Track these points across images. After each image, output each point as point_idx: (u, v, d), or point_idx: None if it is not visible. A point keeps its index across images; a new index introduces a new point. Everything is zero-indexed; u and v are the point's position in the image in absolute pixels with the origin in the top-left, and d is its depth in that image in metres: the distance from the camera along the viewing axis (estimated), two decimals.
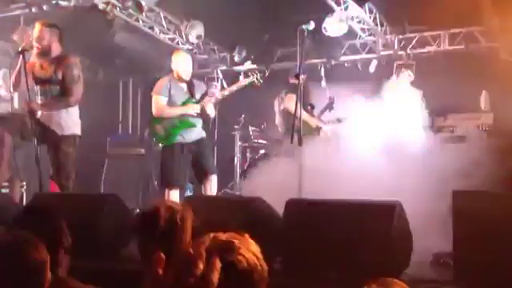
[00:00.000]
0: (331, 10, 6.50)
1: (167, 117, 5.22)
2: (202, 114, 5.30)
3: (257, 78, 5.53)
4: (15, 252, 1.92)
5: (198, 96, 5.34)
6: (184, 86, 5.31)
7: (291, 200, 3.17)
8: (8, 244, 1.97)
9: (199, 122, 5.33)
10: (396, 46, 7.34)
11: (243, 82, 5.58)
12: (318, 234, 2.90)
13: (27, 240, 1.98)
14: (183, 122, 5.24)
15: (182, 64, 5.30)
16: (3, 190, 4.50)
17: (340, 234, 2.85)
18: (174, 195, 5.08)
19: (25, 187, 5.20)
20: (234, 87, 5.51)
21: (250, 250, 1.50)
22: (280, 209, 3.27)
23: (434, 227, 3.50)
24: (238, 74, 8.15)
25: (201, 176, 5.28)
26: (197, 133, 5.30)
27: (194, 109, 5.25)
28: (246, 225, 3.23)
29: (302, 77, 4.89)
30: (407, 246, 2.92)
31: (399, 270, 2.80)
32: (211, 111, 5.34)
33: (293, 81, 6.08)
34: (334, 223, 2.92)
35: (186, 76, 5.29)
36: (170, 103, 5.23)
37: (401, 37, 7.34)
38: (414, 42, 7.27)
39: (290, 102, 6.12)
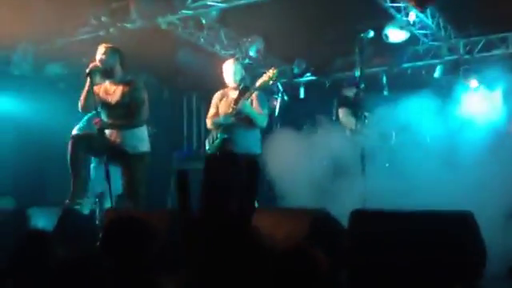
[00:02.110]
0: (392, 17, 6.39)
1: (212, 128, 5.24)
2: (244, 120, 4.99)
3: (270, 78, 5.03)
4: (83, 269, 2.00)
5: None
6: (234, 94, 5.17)
7: (356, 211, 3.11)
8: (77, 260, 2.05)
9: (241, 135, 5.02)
10: (462, 51, 7.12)
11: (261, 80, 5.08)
12: (384, 246, 2.83)
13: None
14: (221, 134, 5.10)
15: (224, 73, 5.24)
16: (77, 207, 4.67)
17: (408, 246, 2.77)
18: None
19: (97, 203, 5.40)
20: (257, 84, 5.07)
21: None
22: (344, 221, 3.22)
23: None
24: (299, 85, 8.18)
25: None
26: (234, 146, 4.98)
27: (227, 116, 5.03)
28: (310, 236, 3.21)
29: (361, 86, 4.84)
30: (480, 259, 2.79)
31: (471, 283, 2.69)
32: (248, 109, 4.96)
33: (347, 92, 6.01)
34: (402, 235, 2.83)
35: (231, 84, 5.20)
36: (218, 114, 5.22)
37: (466, 40, 7.12)
38: (480, 45, 7.03)
39: (343, 115, 6.04)
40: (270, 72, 5.03)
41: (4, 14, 6.08)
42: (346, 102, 6.02)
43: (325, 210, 3.48)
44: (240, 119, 5.01)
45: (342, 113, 6.01)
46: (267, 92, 5.41)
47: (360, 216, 3.05)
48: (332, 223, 3.40)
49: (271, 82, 5.08)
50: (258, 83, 5.07)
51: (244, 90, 5.13)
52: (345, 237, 3.06)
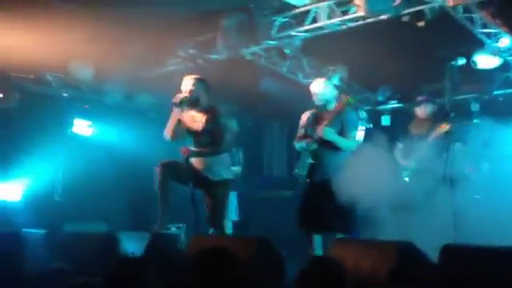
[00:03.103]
0: (481, 43, 6.16)
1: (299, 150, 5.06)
2: (325, 144, 4.79)
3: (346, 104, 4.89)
4: None
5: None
6: (322, 114, 4.99)
7: (448, 246, 2.97)
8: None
9: (328, 159, 4.79)
10: None
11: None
12: (479, 285, 2.67)
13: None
14: (303, 157, 4.94)
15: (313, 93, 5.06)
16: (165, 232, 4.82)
17: (503, 285, 2.60)
18: (316, 239, 4.84)
19: (183, 229, 5.54)
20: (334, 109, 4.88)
21: None
22: (433, 255, 3.09)
23: None
24: (383, 113, 8.05)
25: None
26: (321, 171, 4.80)
27: (309, 141, 4.87)
28: (396, 271, 3.11)
29: (451, 115, 4.67)
30: None
31: None
32: (331, 135, 4.77)
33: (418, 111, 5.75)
34: (496, 273, 2.66)
35: (318, 102, 5.02)
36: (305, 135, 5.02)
37: None
38: None
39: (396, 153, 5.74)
40: (343, 100, 4.89)
41: (98, 47, 6.50)
42: (406, 137, 5.73)
43: (411, 243, 3.36)
44: (324, 144, 4.81)
45: (397, 151, 5.73)
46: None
47: (451, 251, 2.91)
48: (419, 257, 3.28)
49: (346, 108, 4.91)
50: (331, 113, 4.87)
51: (326, 112, 4.94)
52: (434, 272, 2.93)
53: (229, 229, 6.64)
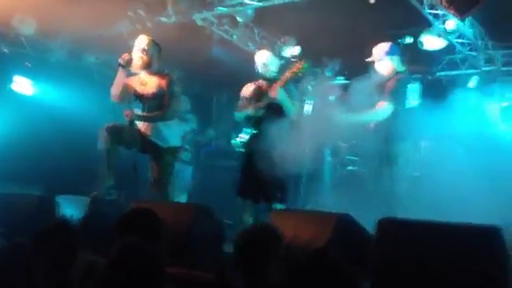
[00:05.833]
0: (429, 24, 6.30)
1: (240, 121, 5.11)
2: (275, 111, 4.80)
3: (299, 70, 4.85)
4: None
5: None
6: (267, 86, 5.00)
7: (384, 219, 3.06)
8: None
9: (271, 128, 4.72)
10: (499, 62, 6.98)
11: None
12: (411, 256, 2.78)
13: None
14: (251, 129, 4.97)
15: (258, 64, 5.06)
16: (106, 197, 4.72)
17: (436, 259, 2.71)
18: (251, 209, 4.89)
19: (123, 195, 5.43)
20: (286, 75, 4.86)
21: None
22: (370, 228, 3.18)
23: None
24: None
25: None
26: (261, 141, 4.71)
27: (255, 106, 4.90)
28: (334, 241, 3.19)
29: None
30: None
31: None
32: (283, 96, 4.77)
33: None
34: (430, 246, 2.77)
35: (264, 74, 5.02)
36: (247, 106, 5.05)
37: (504, 52, 6.97)
38: None
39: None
40: (299, 64, 4.87)
41: (44, 3, 6.20)
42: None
43: (349, 215, 3.44)
44: (270, 111, 4.84)
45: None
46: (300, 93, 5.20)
47: (388, 224, 3.00)
48: (357, 229, 3.37)
49: (300, 74, 4.91)
50: (286, 74, 4.86)
51: (275, 81, 4.93)
52: (370, 244, 3.02)
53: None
